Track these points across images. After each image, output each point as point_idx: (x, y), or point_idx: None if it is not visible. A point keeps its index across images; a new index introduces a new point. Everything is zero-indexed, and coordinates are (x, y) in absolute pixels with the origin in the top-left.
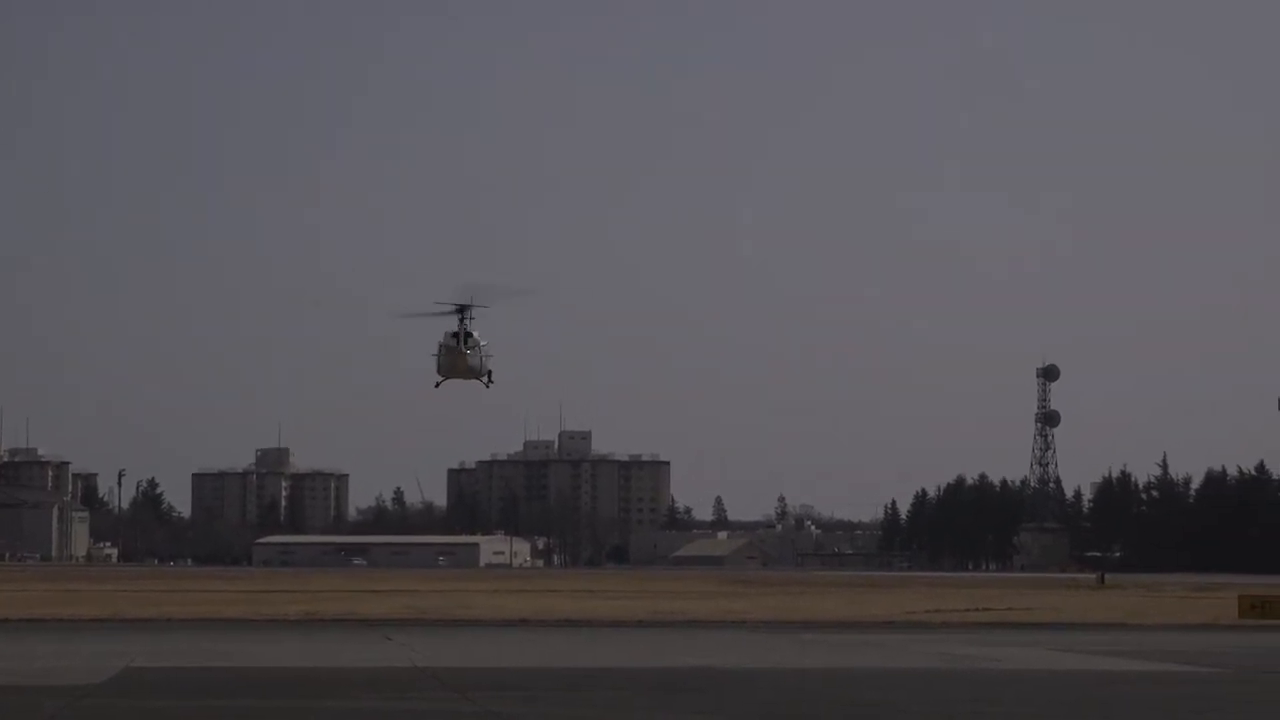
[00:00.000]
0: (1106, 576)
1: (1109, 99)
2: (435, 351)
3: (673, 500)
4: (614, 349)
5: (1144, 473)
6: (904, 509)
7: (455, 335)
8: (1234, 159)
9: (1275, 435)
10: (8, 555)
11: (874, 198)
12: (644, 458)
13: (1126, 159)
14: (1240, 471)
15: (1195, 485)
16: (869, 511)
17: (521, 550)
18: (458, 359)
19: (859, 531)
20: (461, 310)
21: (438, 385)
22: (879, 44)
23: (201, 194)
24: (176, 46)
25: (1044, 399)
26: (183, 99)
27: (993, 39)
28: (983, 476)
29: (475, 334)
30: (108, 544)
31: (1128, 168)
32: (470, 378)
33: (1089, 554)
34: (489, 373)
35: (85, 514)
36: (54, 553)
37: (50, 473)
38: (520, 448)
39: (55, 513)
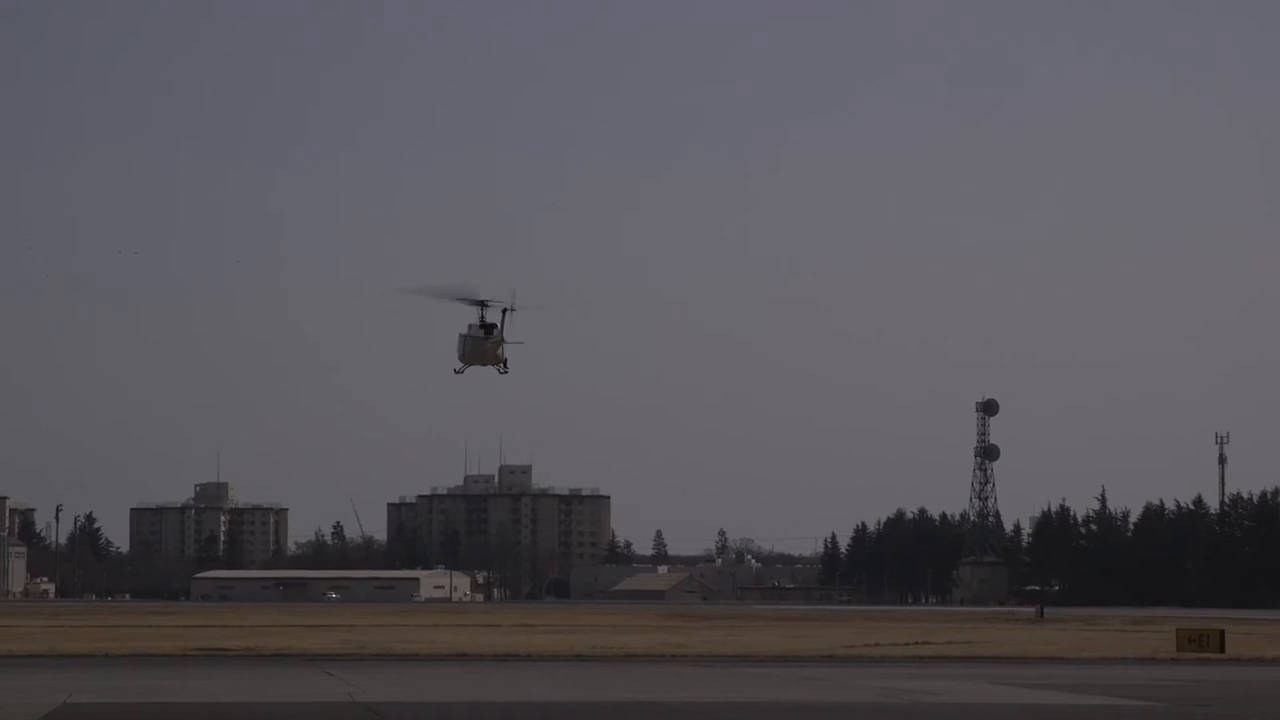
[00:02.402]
0: (1045, 610)
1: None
2: (460, 342)
3: (613, 534)
4: (554, 382)
5: (1083, 507)
6: (844, 543)
7: (481, 325)
8: (1155, 201)
9: (1212, 469)
10: None
11: (802, 237)
12: (584, 492)
13: (1068, 193)
14: (1178, 505)
15: (1133, 519)
16: (809, 545)
17: (461, 584)
18: (486, 347)
19: (799, 565)
20: (483, 304)
21: (459, 371)
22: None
23: (144, 226)
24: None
25: (983, 433)
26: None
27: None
28: (922, 510)
29: (497, 325)
30: (45, 579)
31: (1068, 206)
32: (491, 364)
33: (1028, 587)
34: (504, 360)
35: (22, 549)
36: None
37: None
38: (460, 481)
39: None
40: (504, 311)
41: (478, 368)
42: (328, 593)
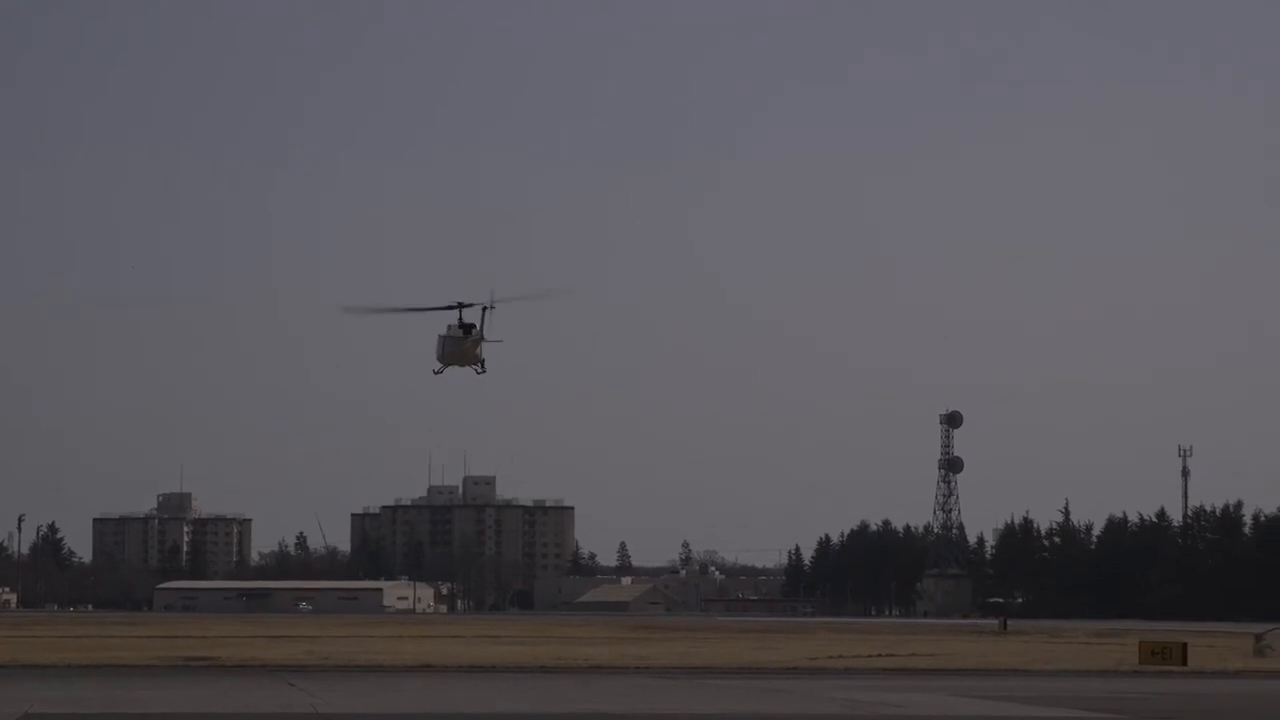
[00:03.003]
0: (1009, 622)
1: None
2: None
3: (577, 545)
4: (519, 394)
5: (1046, 519)
6: (808, 555)
7: (460, 326)
8: (1122, 211)
9: (1175, 482)
10: None
11: (775, 248)
12: (548, 503)
13: (1034, 202)
14: (1141, 518)
15: (1097, 532)
16: (773, 557)
17: (425, 596)
18: (465, 347)
19: (763, 577)
20: (461, 307)
21: (438, 372)
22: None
23: (112, 225)
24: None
25: (947, 445)
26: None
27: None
28: (886, 522)
29: (476, 326)
30: (7, 589)
31: (1037, 213)
32: (470, 364)
33: (991, 600)
34: (482, 361)
35: None
36: None
37: None
38: (424, 492)
39: None
40: (483, 310)
41: (456, 368)
42: (300, 603)
